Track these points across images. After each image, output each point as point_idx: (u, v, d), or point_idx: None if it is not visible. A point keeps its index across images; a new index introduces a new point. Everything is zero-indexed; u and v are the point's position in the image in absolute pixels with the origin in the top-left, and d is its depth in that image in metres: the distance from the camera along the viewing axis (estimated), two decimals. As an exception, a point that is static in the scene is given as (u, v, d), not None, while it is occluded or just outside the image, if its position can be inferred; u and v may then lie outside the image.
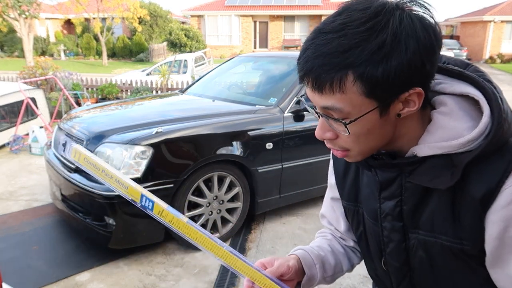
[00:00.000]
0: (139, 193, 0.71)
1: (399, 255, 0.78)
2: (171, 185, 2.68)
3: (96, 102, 7.44)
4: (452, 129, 0.66)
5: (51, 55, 22.86)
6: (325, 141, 0.72)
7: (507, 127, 0.64)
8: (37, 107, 6.05)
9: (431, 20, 0.62)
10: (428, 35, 0.60)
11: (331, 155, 0.92)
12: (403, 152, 0.72)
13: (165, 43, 22.78)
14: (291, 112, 3.24)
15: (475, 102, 0.68)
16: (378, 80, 0.59)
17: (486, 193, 0.63)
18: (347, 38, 0.59)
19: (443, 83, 0.71)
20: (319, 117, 0.69)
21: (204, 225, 2.97)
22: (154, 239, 2.82)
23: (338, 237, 0.98)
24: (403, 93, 0.62)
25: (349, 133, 0.65)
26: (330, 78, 0.60)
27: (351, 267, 0.98)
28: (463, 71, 0.70)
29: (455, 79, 0.71)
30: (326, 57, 0.60)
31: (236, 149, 2.96)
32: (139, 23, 22.64)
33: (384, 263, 0.83)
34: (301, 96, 0.74)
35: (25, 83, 6.33)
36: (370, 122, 0.64)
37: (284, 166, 3.20)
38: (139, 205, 0.71)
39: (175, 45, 21.22)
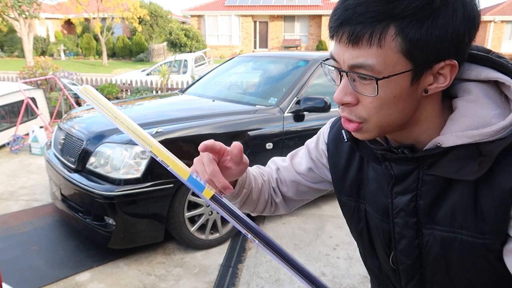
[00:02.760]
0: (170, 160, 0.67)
1: (412, 252, 0.74)
2: (171, 185, 2.68)
3: (96, 102, 7.43)
4: (479, 117, 0.63)
5: (51, 55, 22.87)
6: (340, 109, 0.67)
7: None
8: (37, 107, 6.05)
9: None
10: (474, 6, 0.59)
11: (326, 147, 0.89)
12: (420, 144, 0.68)
13: (165, 43, 22.79)
14: (291, 112, 3.24)
15: (498, 89, 0.65)
16: (420, 39, 0.56)
17: None
18: None
19: (466, 69, 0.67)
20: (340, 79, 0.65)
21: (204, 225, 2.97)
22: (154, 239, 2.82)
23: (272, 186, 0.95)
24: (439, 62, 0.59)
25: (377, 93, 0.60)
26: (371, 28, 0.56)
27: (259, 211, 0.95)
28: (490, 56, 0.66)
29: (478, 65, 0.67)
30: (370, 5, 0.56)
31: (236, 149, 2.95)
32: (139, 23, 22.67)
33: (392, 261, 0.79)
34: (323, 61, 0.71)
35: (25, 83, 6.34)
36: (399, 88, 0.60)
37: (284, 166, 3.20)
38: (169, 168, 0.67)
39: (175, 45, 21.25)
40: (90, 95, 0.65)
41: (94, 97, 0.65)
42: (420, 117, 0.66)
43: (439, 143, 0.65)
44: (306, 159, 0.93)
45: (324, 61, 0.70)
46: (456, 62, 0.60)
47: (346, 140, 0.80)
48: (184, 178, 0.66)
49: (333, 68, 0.67)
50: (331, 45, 0.69)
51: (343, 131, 0.81)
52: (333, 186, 0.90)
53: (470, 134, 0.62)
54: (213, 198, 0.66)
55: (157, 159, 0.67)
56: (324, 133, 0.92)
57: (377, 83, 0.59)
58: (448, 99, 0.69)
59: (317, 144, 0.92)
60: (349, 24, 0.58)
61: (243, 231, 0.66)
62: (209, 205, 2.91)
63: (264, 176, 0.94)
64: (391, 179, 0.73)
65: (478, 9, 0.60)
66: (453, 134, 0.64)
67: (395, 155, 0.70)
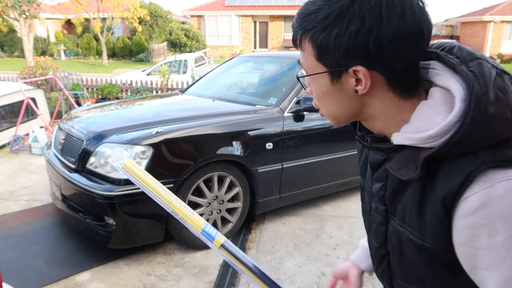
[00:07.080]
0: (200, 226, 0.82)
1: (378, 237, 0.81)
2: (171, 185, 2.68)
3: (96, 102, 7.44)
4: (432, 123, 0.63)
5: (51, 55, 22.87)
6: None
7: (486, 133, 0.59)
8: (37, 107, 6.05)
9: (417, 6, 0.62)
10: (389, 18, 0.60)
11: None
12: (389, 138, 0.71)
13: (165, 43, 22.79)
14: (291, 112, 3.24)
15: None
16: (321, 46, 0.65)
17: (448, 194, 0.60)
18: (314, 5, 0.66)
19: (440, 74, 0.67)
20: None
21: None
22: (154, 239, 2.82)
23: None
24: (348, 67, 0.64)
25: (307, 87, 0.75)
26: (296, 36, 0.70)
27: None
28: (457, 66, 0.64)
29: (450, 70, 0.67)
30: (297, 19, 0.69)
31: (236, 149, 2.96)
32: (139, 23, 22.64)
33: (368, 241, 0.88)
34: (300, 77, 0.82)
35: (25, 83, 6.33)
36: (323, 86, 0.69)
37: (284, 166, 3.20)
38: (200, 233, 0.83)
39: (175, 45, 21.24)
40: (131, 171, 0.74)
41: (135, 174, 0.74)
42: (374, 113, 0.69)
43: (391, 139, 0.69)
44: None
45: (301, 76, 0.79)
46: (365, 69, 0.63)
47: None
48: (198, 231, 0.82)
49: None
50: None
51: None
52: None
53: (410, 136, 0.65)
54: (222, 246, 0.82)
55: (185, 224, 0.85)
56: None
57: (304, 79, 0.75)
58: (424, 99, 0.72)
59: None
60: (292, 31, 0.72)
61: (249, 276, 0.86)
62: (209, 205, 2.92)
63: None
64: (371, 166, 0.80)
65: (414, 18, 0.61)
66: (402, 134, 0.67)
67: (365, 143, 0.76)
